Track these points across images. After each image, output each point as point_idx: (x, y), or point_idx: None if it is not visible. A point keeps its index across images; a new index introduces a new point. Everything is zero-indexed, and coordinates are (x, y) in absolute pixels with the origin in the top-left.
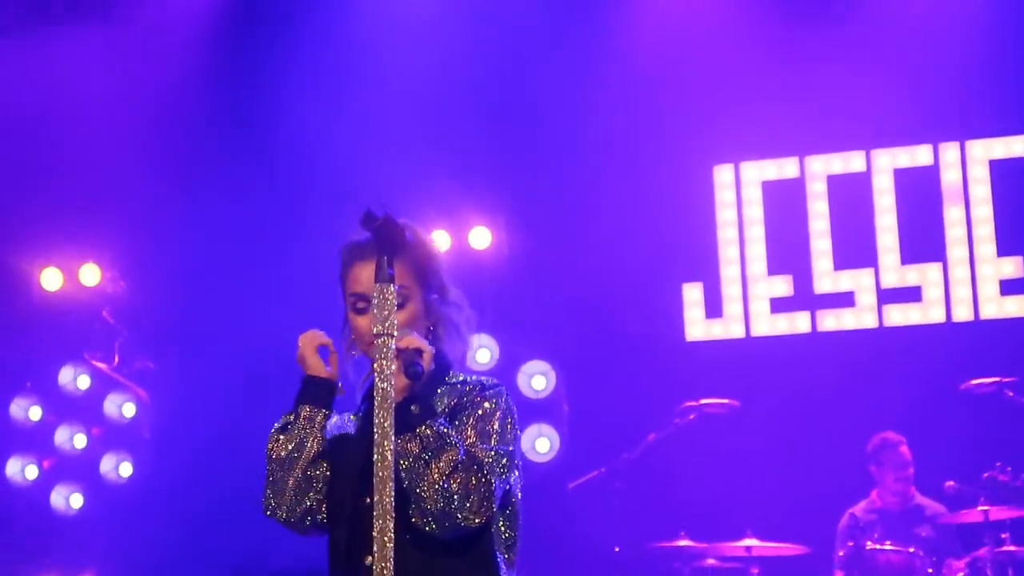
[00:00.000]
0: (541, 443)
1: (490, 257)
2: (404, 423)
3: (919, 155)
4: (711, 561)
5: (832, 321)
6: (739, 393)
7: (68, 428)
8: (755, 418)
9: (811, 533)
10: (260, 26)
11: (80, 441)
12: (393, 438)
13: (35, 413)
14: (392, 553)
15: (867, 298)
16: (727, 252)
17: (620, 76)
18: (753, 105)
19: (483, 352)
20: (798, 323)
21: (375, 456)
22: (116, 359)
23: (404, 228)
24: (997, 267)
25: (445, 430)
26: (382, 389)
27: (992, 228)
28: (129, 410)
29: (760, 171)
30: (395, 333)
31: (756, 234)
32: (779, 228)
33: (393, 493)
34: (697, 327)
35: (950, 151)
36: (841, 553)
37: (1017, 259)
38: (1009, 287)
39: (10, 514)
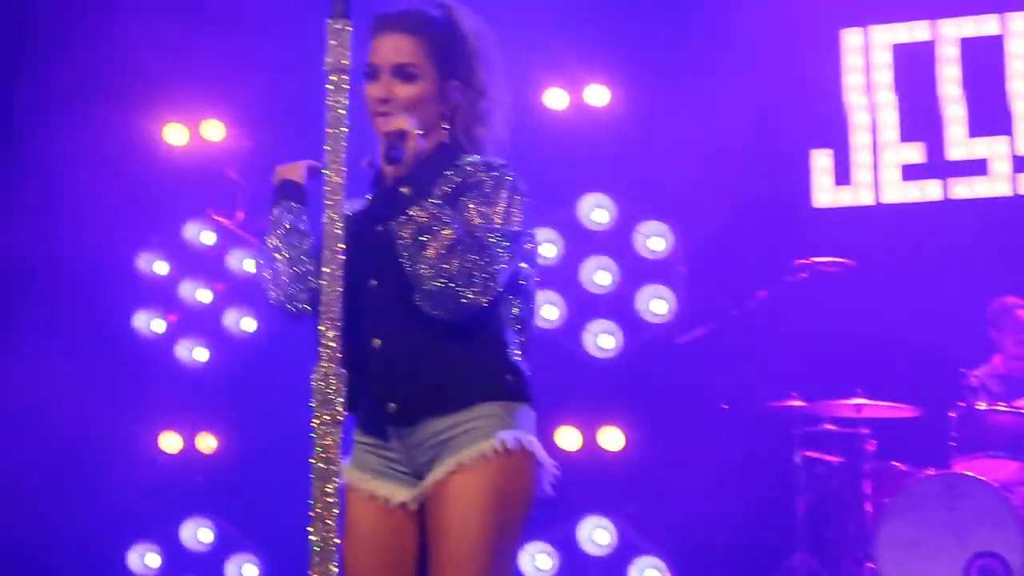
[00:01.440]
0: (657, 304)
1: (608, 115)
2: (396, 205)
3: None
4: (828, 427)
5: (964, 189)
6: (863, 257)
7: (192, 283)
8: (872, 279)
9: (925, 395)
10: None
11: (205, 296)
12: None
13: (161, 268)
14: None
15: (1001, 166)
16: (857, 118)
17: None
18: None
19: (599, 212)
20: (929, 191)
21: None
22: (240, 215)
23: (435, 6)
24: None
25: (438, 211)
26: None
27: None
28: (251, 265)
29: (891, 34)
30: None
31: (886, 99)
32: (910, 94)
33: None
34: (825, 194)
35: None
36: (952, 414)
37: None
38: None
39: (137, 367)
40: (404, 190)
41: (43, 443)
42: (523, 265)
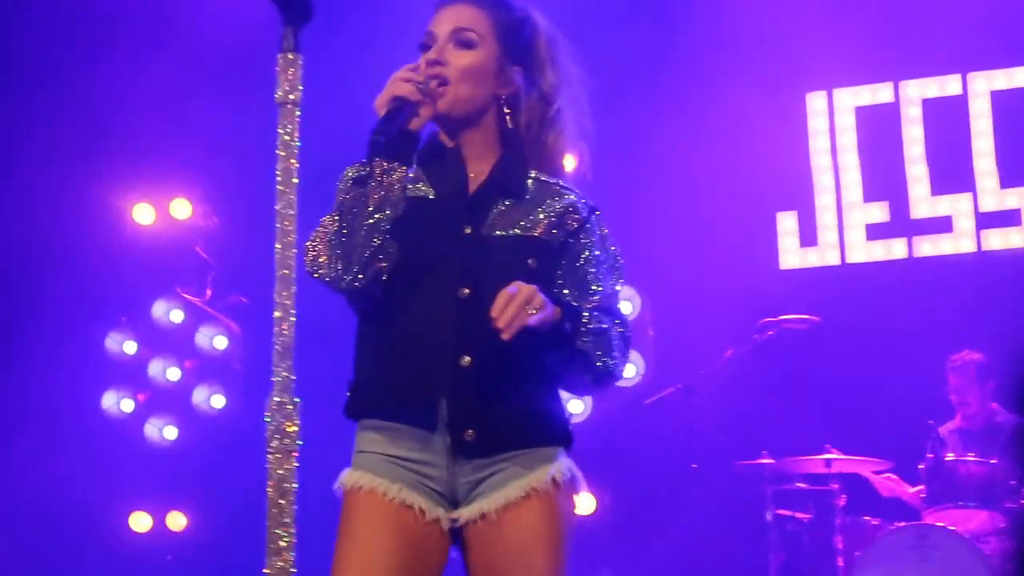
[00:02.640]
0: (626, 368)
1: (574, 180)
2: (485, 210)
3: (1017, 77)
4: (799, 484)
5: (929, 247)
6: (830, 316)
7: (161, 361)
8: (839, 337)
9: (893, 448)
10: None
11: (173, 374)
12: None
13: (130, 347)
14: None
15: (965, 223)
16: (821, 180)
17: (708, 3)
18: (846, 29)
19: None
20: (894, 249)
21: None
22: (208, 292)
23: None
24: None
25: (595, 325)
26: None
27: None
28: (221, 343)
29: (854, 97)
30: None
31: (850, 161)
32: (874, 154)
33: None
34: (792, 255)
35: None
36: (921, 466)
37: None
38: None
39: (106, 447)
40: (504, 204)
41: (12, 522)
42: None
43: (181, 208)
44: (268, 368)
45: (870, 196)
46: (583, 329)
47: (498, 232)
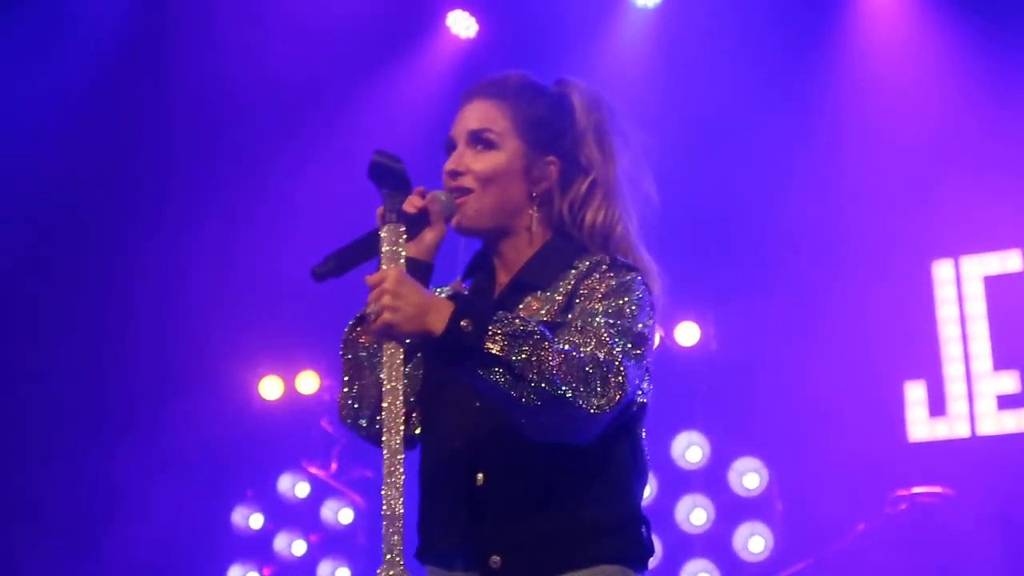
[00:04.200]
0: (755, 542)
1: (698, 353)
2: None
3: None
4: None
5: None
6: (961, 489)
7: (287, 535)
8: (972, 510)
9: None
10: None
11: (299, 548)
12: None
13: (256, 521)
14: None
15: None
16: (949, 349)
17: (831, 170)
18: (970, 196)
19: (694, 450)
20: None
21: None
22: (334, 466)
23: (513, 76)
24: None
25: (525, 325)
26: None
27: None
28: (346, 516)
29: (982, 265)
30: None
31: (979, 330)
32: (1003, 323)
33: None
34: (920, 426)
35: None
36: None
37: None
38: None
39: None
40: (532, 299)
41: None
42: (647, 385)
43: (308, 382)
44: None
45: (1000, 365)
46: (502, 333)
47: None
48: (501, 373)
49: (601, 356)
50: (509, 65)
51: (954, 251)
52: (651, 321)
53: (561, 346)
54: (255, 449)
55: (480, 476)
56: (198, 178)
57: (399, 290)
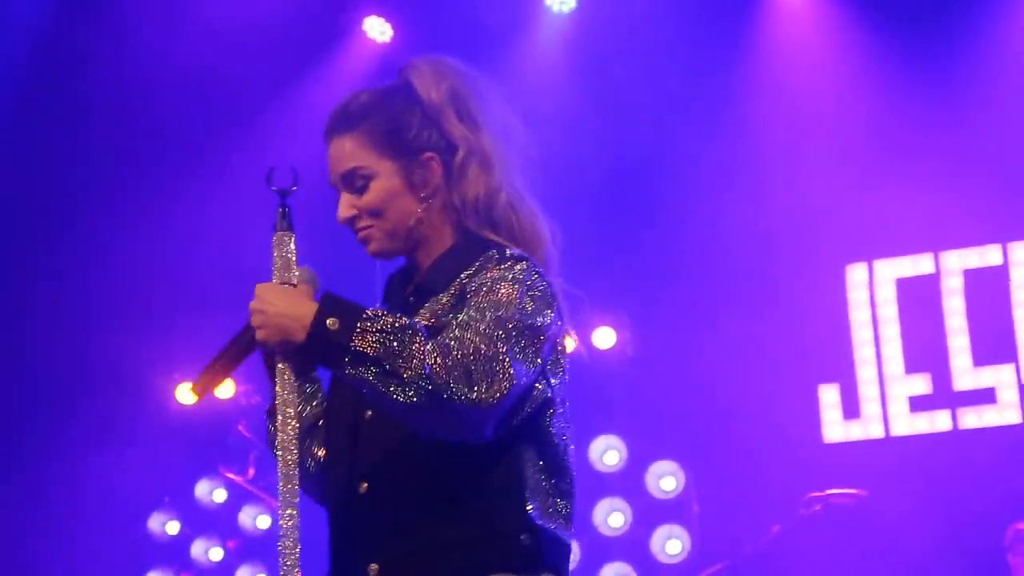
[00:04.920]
0: (672, 544)
1: (615, 356)
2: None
3: None
4: None
5: (973, 418)
6: (875, 490)
7: (204, 541)
8: (886, 510)
9: None
10: None
11: (216, 554)
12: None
13: (173, 527)
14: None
15: (1009, 394)
16: (863, 352)
17: (746, 173)
18: (884, 199)
19: (611, 453)
20: (938, 422)
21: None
22: (251, 471)
23: (355, 99)
24: None
25: (395, 320)
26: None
27: None
28: (264, 522)
29: (894, 268)
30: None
31: (891, 333)
32: (915, 326)
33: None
34: (835, 428)
35: None
36: None
37: None
38: None
39: None
40: (433, 301)
41: None
42: (553, 380)
43: (224, 387)
44: (304, 547)
45: (912, 368)
46: (372, 330)
47: None
48: (374, 371)
49: (483, 348)
50: None
51: (868, 255)
52: (547, 311)
53: (442, 340)
54: (172, 454)
55: (364, 485)
56: (115, 181)
57: (264, 297)
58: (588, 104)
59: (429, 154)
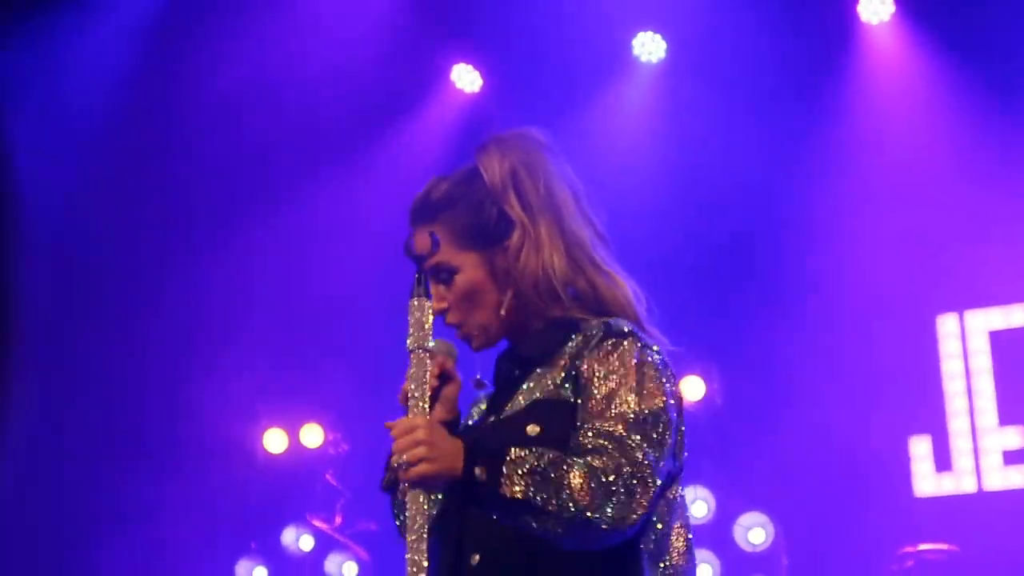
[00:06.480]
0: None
1: (703, 407)
2: (508, 388)
3: None
4: None
5: None
6: (968, 545)
7: None
8: (979, 566)
9: None
10: None
11: None
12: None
13: (259, 574)
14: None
15: None
16: (955, 404)
17: (836, 222)
18: (975, 249)
19: (699, 505)
20: None
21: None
22: (338, 520)
23: (435, 189)
24: None
25: (541, 451)
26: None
27: None
28: (350, 570)
29: (986, 319)
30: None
31: (984, 384)
32: (1008, 377)
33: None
34: (926, 481)
35: None
36: None
37: None
38: None
39: None
40: (534, 376)
41: None
42: (678, 459)
43: (312, 435)
44: None
45: (1005, 420)
46: (519, 473)
47: (507, 412)
48: (525, 513)
49: (624, 463)
50: (514, 120)
51: (959, 305)
52: (663, 381)
53: (583, 460)
54: (259, 502)
55: (476, 557)
56: (208, 226)
57: (433, 439)
58: (677, 153)
59: (508, 241)
